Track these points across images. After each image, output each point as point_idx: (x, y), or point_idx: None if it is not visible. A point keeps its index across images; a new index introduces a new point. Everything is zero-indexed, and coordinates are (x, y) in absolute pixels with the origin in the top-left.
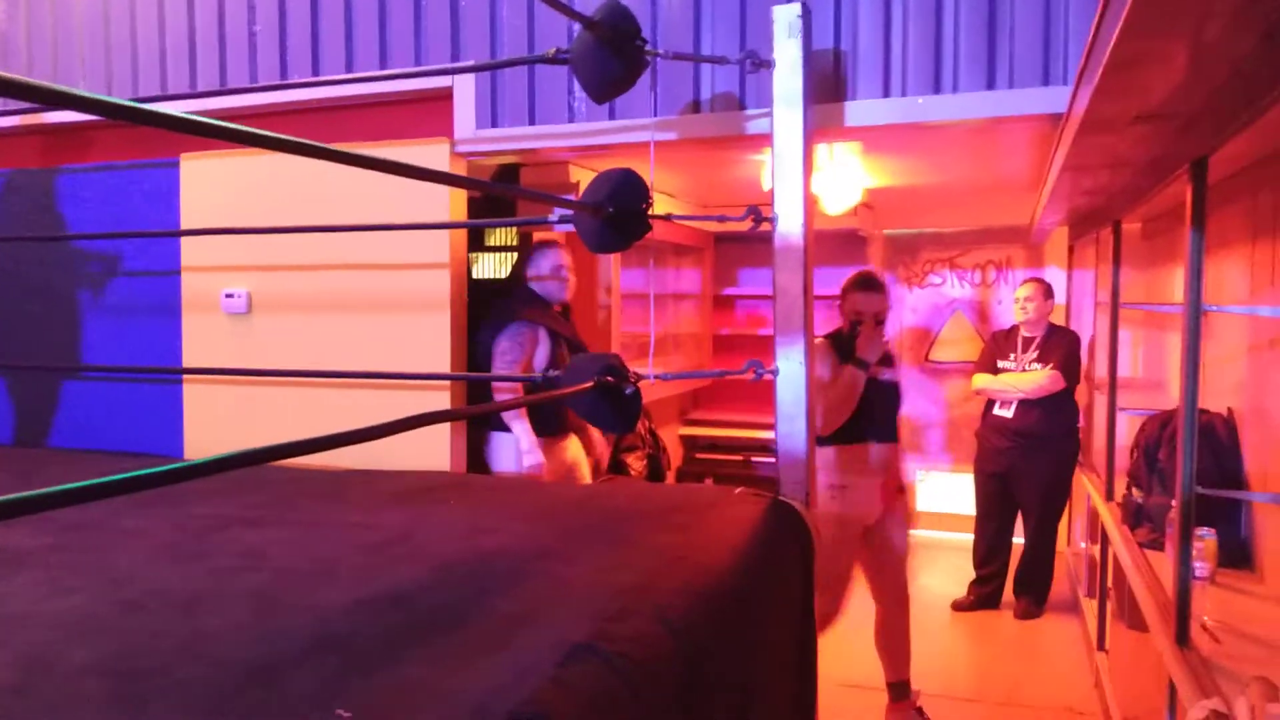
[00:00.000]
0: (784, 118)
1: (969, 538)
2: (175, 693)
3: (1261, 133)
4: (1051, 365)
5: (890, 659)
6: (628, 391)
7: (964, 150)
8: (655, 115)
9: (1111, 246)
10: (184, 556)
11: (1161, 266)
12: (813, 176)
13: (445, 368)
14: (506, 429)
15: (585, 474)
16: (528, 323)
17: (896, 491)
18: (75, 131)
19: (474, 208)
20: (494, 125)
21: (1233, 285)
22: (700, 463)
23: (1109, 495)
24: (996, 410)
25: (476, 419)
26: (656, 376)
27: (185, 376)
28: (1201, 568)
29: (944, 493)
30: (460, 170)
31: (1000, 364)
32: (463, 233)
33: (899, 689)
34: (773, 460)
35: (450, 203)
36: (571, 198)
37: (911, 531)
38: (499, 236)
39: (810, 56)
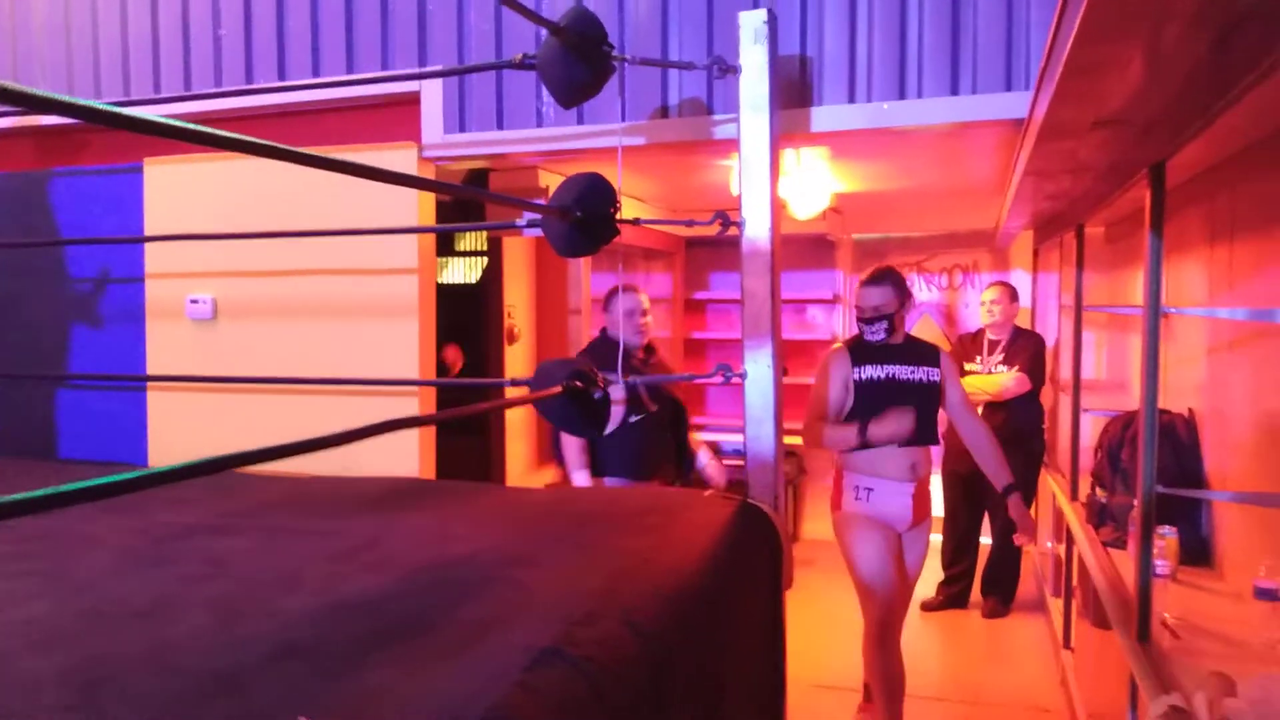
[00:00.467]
0: (750, 123)
1: (937, 538)
2: (136, 702)
3: (1217, 138)
4: (1017, 367)
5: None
6: (597, 396)
7: (930, 155)
8: (623, 120)
9: (1074, 250)
10: (147, 565)
11: (1124, 269)
12: (781, 181)
13: (414, 374)
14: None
15: None
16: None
17: (927, 502)
18: (65, 134)
19: (443, 213)
20: (462, 130)
21: (1192, 287)
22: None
23: (1074, 495)
24: None
25: (463, 430)
26: (629, 381)
27: (150, 384)
28: (1163, 565)
29: None
30: (429, 174)
31: (966, 366)
32: (431, 238)
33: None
34: (743, 463)
35: (419, 208)
36: (541, 202)
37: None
38: (469, 242)
39: (776, 62)
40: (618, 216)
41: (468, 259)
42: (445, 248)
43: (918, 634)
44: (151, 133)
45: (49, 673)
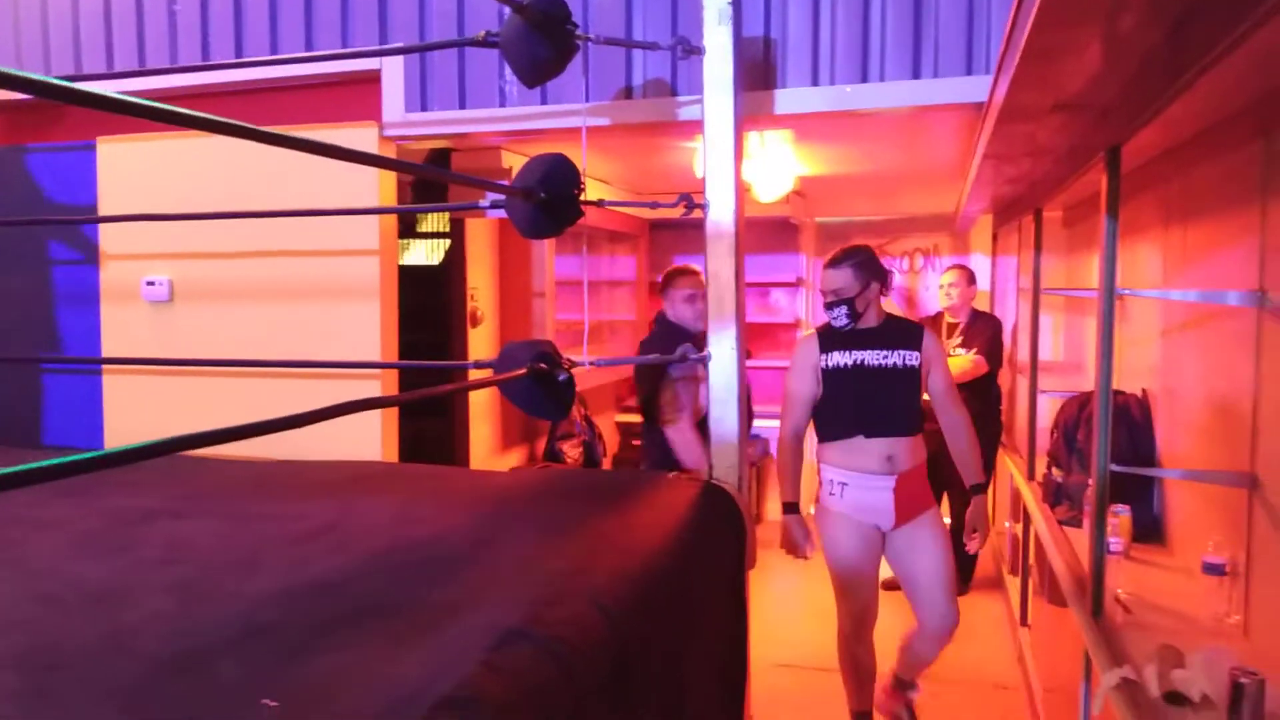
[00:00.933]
0: (714, 104)
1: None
2: (92, 685)
3: (1171, 123)
4: (975, 350)
5: (905, 659)
6: (561, 378)
7: (893, 139)
8: (588, 100)
9: (1033, 233)
10: (106, 549)
11: (1081, 253)
12: (745, 164)
13: (375, 356)
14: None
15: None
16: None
17: (919, 496)
18: (33, 110)
19: (405, 194)
20: (424, 109)
21: (1148, 270)
22: (638, 449)
23: (1031, 475)
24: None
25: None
26: (590, 363)
27: (105, 367)
28: (1116, 543)
29: None
30: (389, 154)
31: None
32: (393, 219)
33: (903, 684)
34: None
35: (380, 188)
36: (505, 183)
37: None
38: (431, 223)
39: (741, 44)
40: (582, 198)
41: (430, 241)
42: (407, 230)
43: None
44: (107, 109)
45: (3, 657)
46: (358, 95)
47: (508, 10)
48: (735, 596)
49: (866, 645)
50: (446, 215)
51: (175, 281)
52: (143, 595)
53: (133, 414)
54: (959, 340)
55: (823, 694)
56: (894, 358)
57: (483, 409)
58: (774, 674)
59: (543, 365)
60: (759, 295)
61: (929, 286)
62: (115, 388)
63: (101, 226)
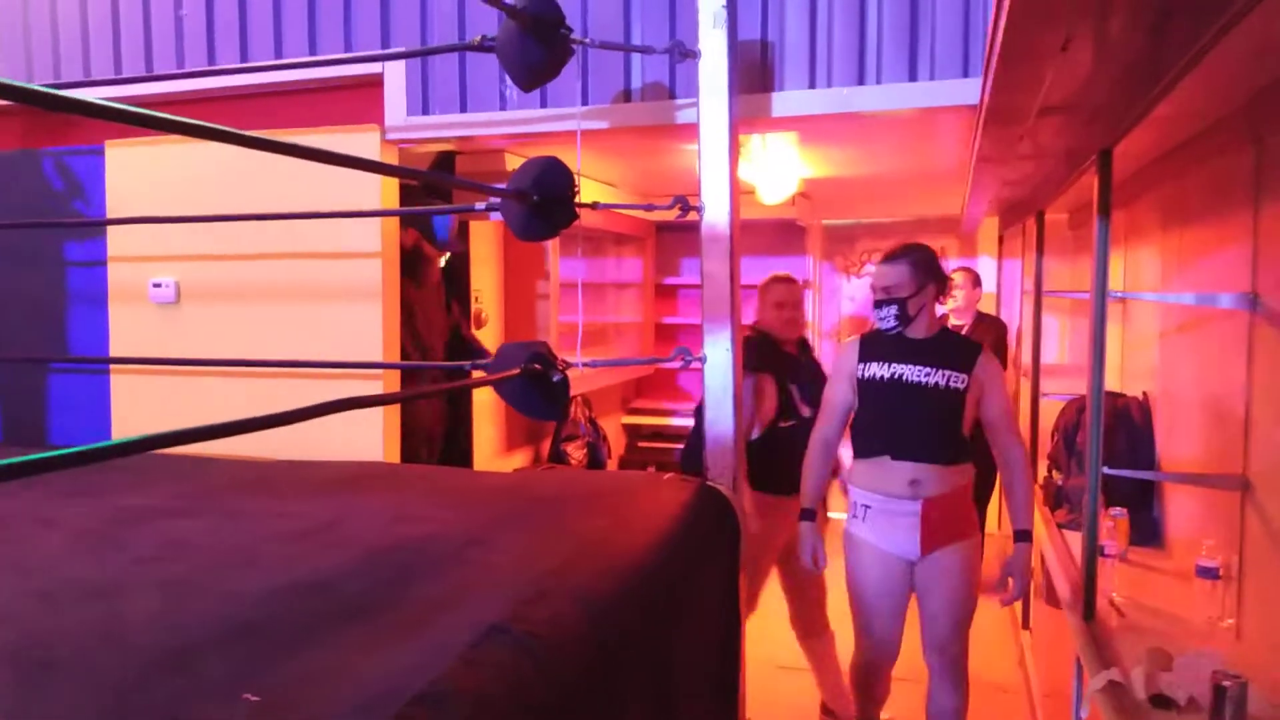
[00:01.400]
0: (710, 107)
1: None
2: (82, 680)
3: (1166, 125)
4: None
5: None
6: (555, 379)
7: (897, 141)
8: (585, 104)
9: (1035, 236)
10: (102, 547)
11: (1087, 255)
12: (748, 166)
13: (377, 356)
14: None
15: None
16: (748, 372)
17: (954, 522)
18: (45, 113)
19: (412, 195)
20: (425, 112)
21: (1149, 272)
22: (643, 451)
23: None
24: None
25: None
26: (585, 364)
27: (113, 367)
28: (1111, 546)
29: None
30: (392, 157)
31: None
32: (394, 221)
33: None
34: None
35: (381, 190)
36: (501, 186)
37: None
38: None
39: (737, 47)
40: (576, 200)
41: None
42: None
43: None
44: (110, 119)
45: None
46: (360, 99)
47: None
48: (728, 597)
49: (881, 682)
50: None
51: (181, 283)
52: (135, 593)
53: (140, 414)
54: None
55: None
56: (936, 376)
57: (486, 411)
58: (774, 676)
59: (537, 366)
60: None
61: None
62: (123, 388)
63: (109, 229)
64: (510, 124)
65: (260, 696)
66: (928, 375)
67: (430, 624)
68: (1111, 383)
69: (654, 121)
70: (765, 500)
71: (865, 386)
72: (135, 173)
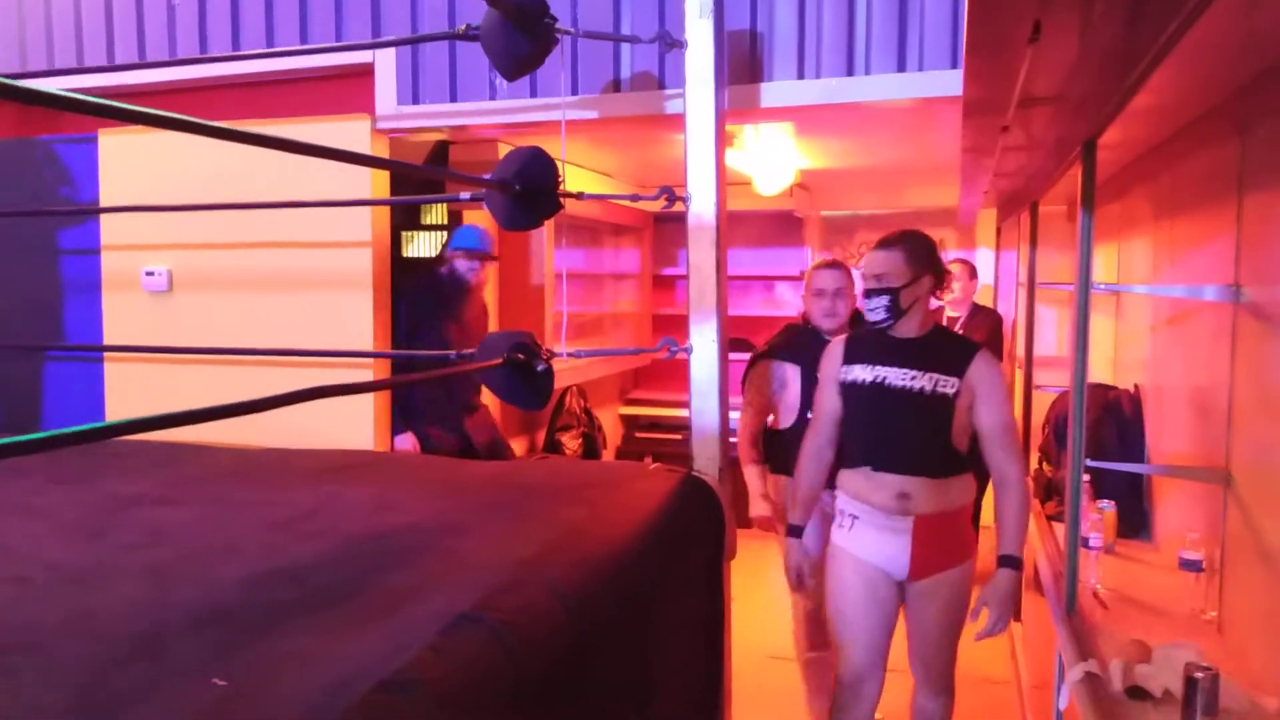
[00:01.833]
0: (696, 98)
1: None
2: (52, 665)
3: (1155, 115)
4: None
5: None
6: (540, 368)
7: (893, 132)
8: (574, 94)
9: (1029, 227)
10: (86, 534)
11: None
12: (745, 157)
13: (368, 345)
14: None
15: None
16: (766, 359)
17: (951, 546)
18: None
19: (403, 185)
20: (415, 102)
21: (1142, 264)
22: (640, 442)
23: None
24: None
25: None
26: (570, 354)
27: (106, 355)
28: (1096, 539)
29: None
30: (383, 147)
31: None
32: (385, 210)
33: None
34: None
35: (371, 180)
36: (486, 176)
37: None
38: (434, 215)
39: (725, 37)
40: (561, 190)
41: (433, 233)
42: (410, 221)
43: None
44: (88, 113)
45: None
46: (352, 88)
47: None
48: (711, 587)
49: (862, 703)
50: (445, 208)
51: (174, 271)
52: (115, 579)
53: (133, 401)
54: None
55: None
56: (923, 381)
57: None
58: (767, 665)
59: (520, 356)
60: (764, 289)
61: None
62: (116, 375)
63: (102, 217)
64: (500, 113)
65: (228, 681)
66: (913, 379)
67: (401, 611)
68: (1104, 375)
69: (642, 111)
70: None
71: (847, 391)
72: (128, 161)
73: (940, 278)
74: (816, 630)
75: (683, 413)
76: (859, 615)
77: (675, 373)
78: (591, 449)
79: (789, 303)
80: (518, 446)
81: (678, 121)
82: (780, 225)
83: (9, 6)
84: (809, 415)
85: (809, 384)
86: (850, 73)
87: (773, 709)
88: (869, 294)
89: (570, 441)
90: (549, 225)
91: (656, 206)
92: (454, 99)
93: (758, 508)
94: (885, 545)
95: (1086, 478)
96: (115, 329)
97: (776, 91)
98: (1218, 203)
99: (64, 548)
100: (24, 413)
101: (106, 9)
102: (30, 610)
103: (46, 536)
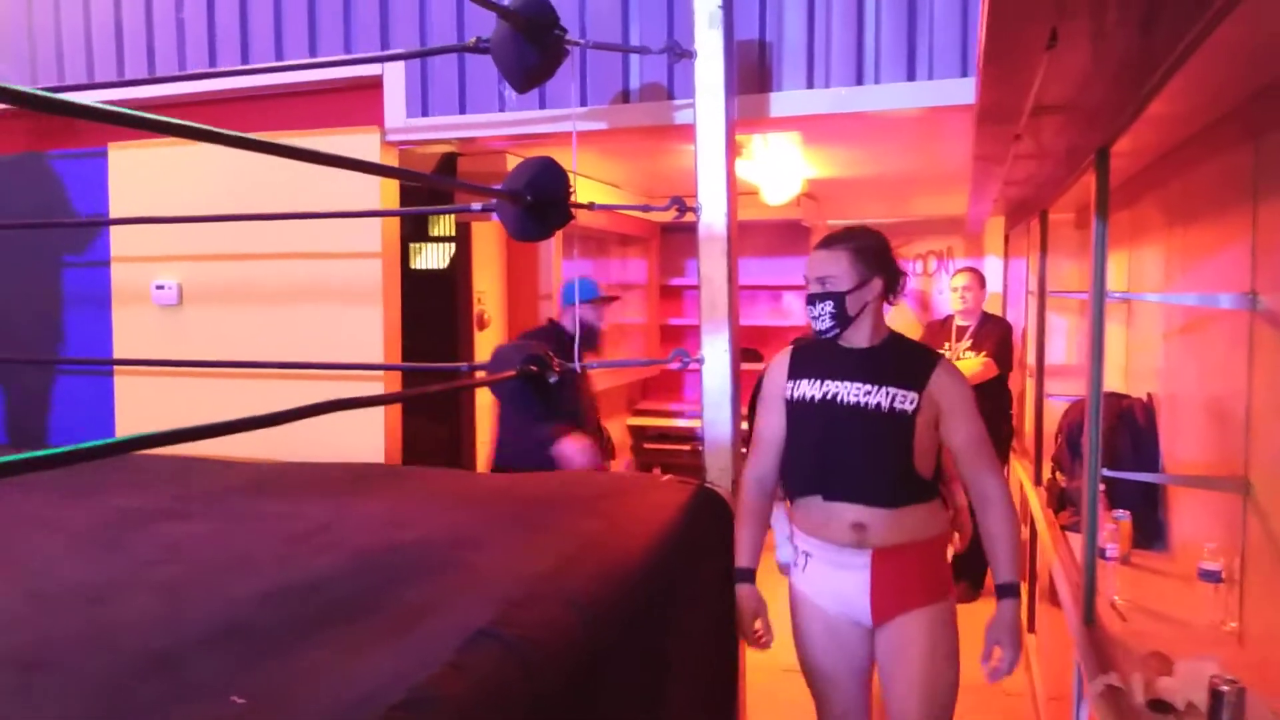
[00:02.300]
0: (706, 108)
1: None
2: (73, 682)
3: (1164, 123)
4: (985, 353)
5: None
6: (552, 380)
7: (900, 141)
8: (583, 105)
9: (1039, 235)
10: (100, 549)
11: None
12: (752, 167)
13: (378, 357)
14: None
15: None
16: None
17: (916, 582)
18: (51, 117)
19: (413, 197)
20: (425, 114)
21: (1153, 272)
22: (649, 453)
23: (1037, 480)
24: None
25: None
26: (582, 365)
27: (116, 369)
28: (1113, 549)
29: None
30: (392, 159)
31: None
32: (395, 221)
33: None
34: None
35: (381, 192)
36: (496, 187)
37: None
38: (441, 227)
39: (734, 47)
40: (571, 200)
41: (440, 245)
42: (418, 233)
43: None
44: (112, 122)
45: None
46: (362, 101)
47: None
48: (725, 599)
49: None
50: (453, 219)
51: (184, 285)
52: (131, 594)
53: (143, 415)
54: (969, 343)
55: None
56: (878, 396)
57: (489, 412)
58: (780, 678)
59: (533, 368)
60: (771, 299)
61: (942, 290)
62: (126, 389)
63: (112, 230)
64: (509, 125)
65: (247, 699)
66: (867, 395)
67: (419, 627)
68: (1116, 384)
69: (651, 122)
70: None
71: (794, 410)
72: (138, 174)
73: (894, 281)
74: None
75: (690, 423)
76: (825, 666)
77: (682, 383)
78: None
79: (796, 312)
80: None
81: (687, 132)
82: (787, 235)
83: (20, 22)
84: None
85: None
86: (860, 81)
87: None
88: (811, 299)
89: None
90: (558, 236)
91: (667, 217)
92: (463, 111)
93: (785, 553)
94: (842, 585)
95: (1102, 487)
96: (125, 342)
97: (786, 101)
98: (1232, 210)
99: (79, 563)
100: (31, 426)
101: (116, 24)
102: (48, 626)
103: (62, 551)
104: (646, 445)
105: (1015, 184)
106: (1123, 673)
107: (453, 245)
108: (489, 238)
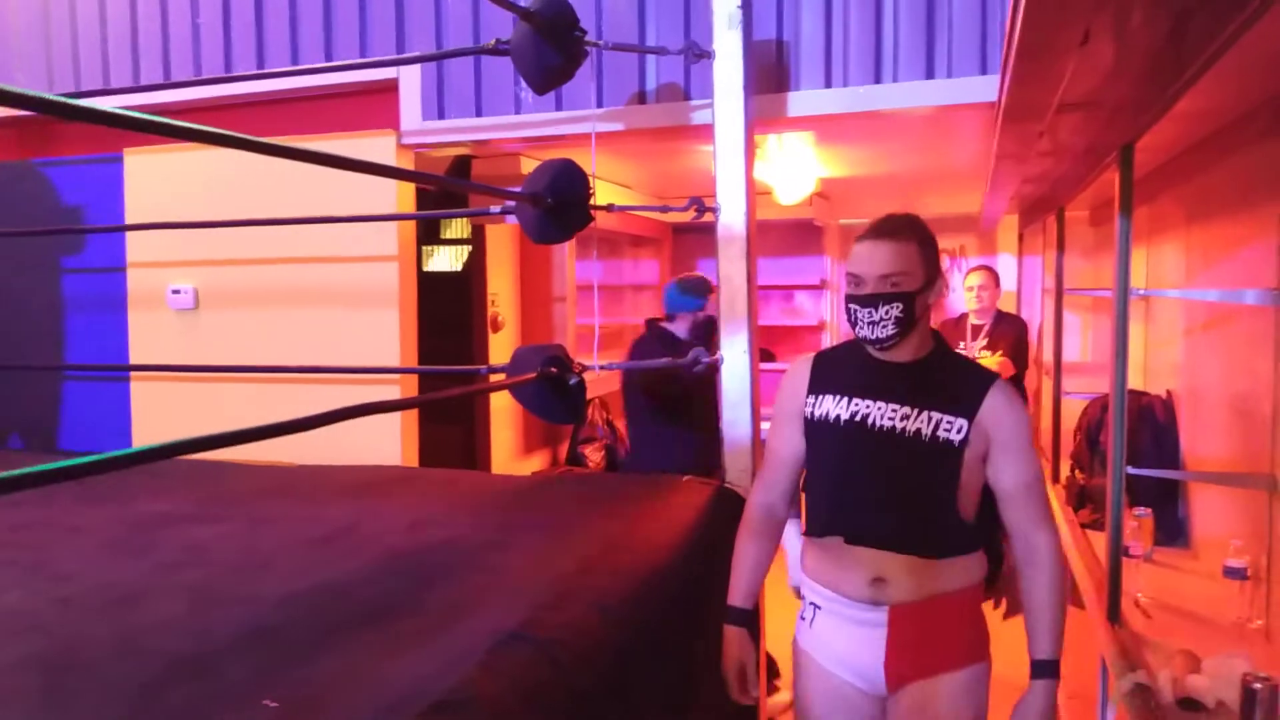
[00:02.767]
0: (724, 108)
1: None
2: (105, 686)
3: (1188, 120)
4: (1001, 352)
5: None
6: (572, 382)
7: (915, 139)
8: (600, 106)
9: (1055, 233)
10: (126, 553)
11: (1109, 252)
12: (765, 167)
13: (394, 361)
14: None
15: None
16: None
17: (944, 642)
18: (41, 124)
19: (428, 200)
20: (441, 117)
21: (1173, 269)
22: None
23: (1055, 478)
24: None
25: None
26: (601, 367)
27: (133, 374)
28: (1136, 547)
29: None
30: (408, 162)
31: None
32: (411, 225)
33: None
34: None
35: (398, 195)
36: (516, 189)
37: None
38: (455, 229)
39: (752, 47)
40: (591, 202)
41: (454, 247)
42: (432, 236)
43: None
44: (130, 128)
45: (19, 658)
46: (377, 104)
47: None
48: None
49: None
50: (466, 222)
51: (200, 289)
52: (158, 598)
53: (160, 419)
54: (984, 342)
55: None
56: (919, 422)
57: (504, 414)
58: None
59: (553, 370)
60: (783, 298)
61: (956, 288)
62: (143, 394)
63: (128, 236)
64: (525, 127)
65: (279, 703)
66: (904, 419)
67: (448, 630)
68: (1135, 381)
69: (669, 123)
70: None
71: (814, 431)
72: (153, 180)
73: (941, 281)
74: None
75: None
76: None
77: None
78: (614, 461)
79: (808, 312)
80: (541, 460)
81: (704, 132)
82: (799, 234)
83: (36, 29)
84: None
85: None
86: (878, 80)
87: None
88: (870, 301)
89: (593, 454)
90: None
91: (686, 217)
92: (479, 113)
93: (797, 575)
94: (855, 646)
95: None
96: (142, 347)
97: (804, 100)
98: (1255, 206)
99: (105, 567)
100: (51, 433)
101: (132, 30)
102: (76, 631)
103: (87, 556)
104: None
105: (1031, 181)
106: (1150, 671)
107: (467, 248)
108: (503, 240)
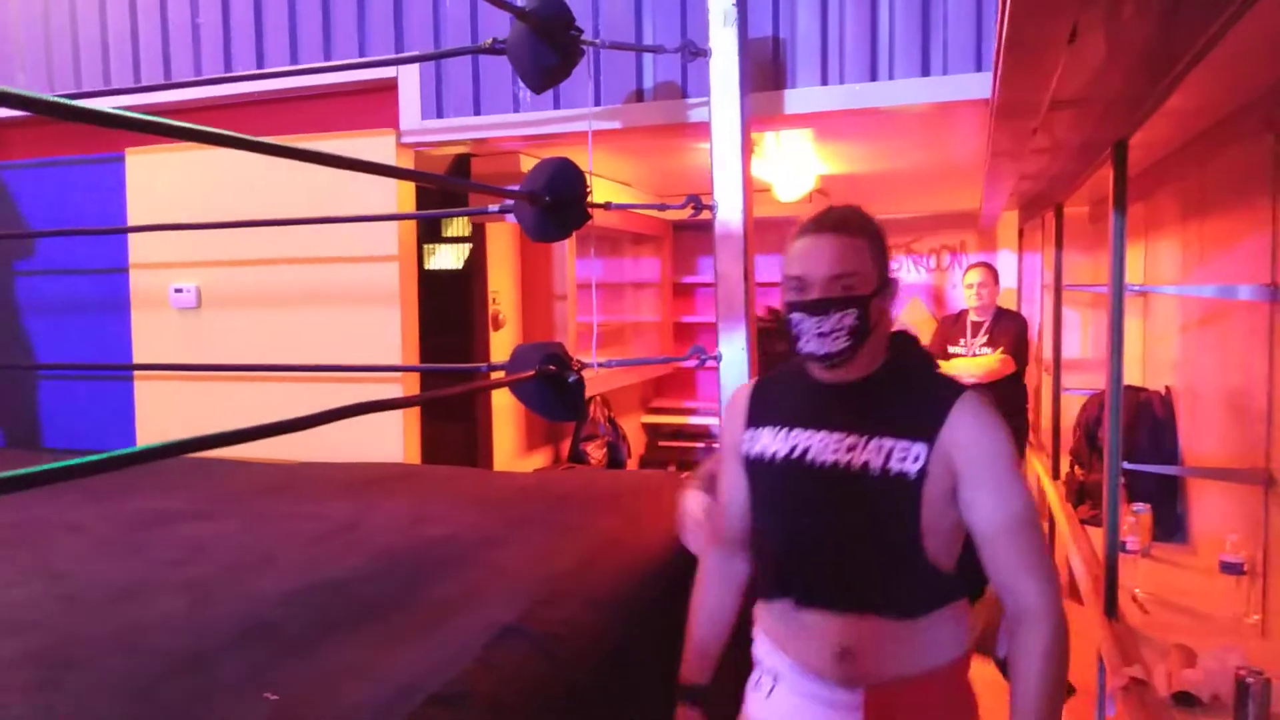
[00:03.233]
0: (721, 106)
1: None
2: (103, 682)
3: (1183, 116)
4: (1001, 349)
5: None
6: (571, 379)
7: (913, 136)
8: (597, 104)
9: (1054, 230)
10: (126, 550)
11: (1108, 249)
12: (764, 164)
13: (396, 359)
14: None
15: None
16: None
17: None
18: (22, 126)
19: (428, 199)
20: (439, 116)
21: (1169, 264)
22: (664, 450)
23: (1055, 474)
24: None
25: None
26: (600, 364)
27: (136, 373)
28: (1133, 542)
29: None
30: (407, 161)
31: (950, 349)
32: (412, 224)
33: None
34: None
35: (398, 194)
36: (513, 188)
37: None
38: (455, 228)
39: (748, 45)
40: (589, 200)
41: (455, 246)
42: (432, 234)
43: None
44: (129, 129)
45: (18, 654)
46: (377, 103)
47: None
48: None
49: None
50: (467, 220)
51: (202, 289)
52: (158, 594)
53: (163, 418)
54: (984, 339)
55: None
56: (868, 452)
57: (506, 412)
58: None
59: (552, 367)
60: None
61: (955, 285)
62: (146, 393)
63: (130, 236)
64: (524, 126)
65: (280, 696)
66: (850, 450)
67: (446, 625)
68: (1133, 377)
69: (666, 121)
70: None
71: (753, 471)
72: (155, 180)
73: (891, 284)
74: None
75: (704, 420)
76: None
77: (696, 381)
78: (616, 458)
79: None
80: (543, 457)
81: (701, 130)
82: None
83: (36, 29)
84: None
85: None
86: (874, 77)
87: None
88: (820, 307)
89: (595, 451)
90: (571, 235)
91: (683, 215)
92: (478, 112)
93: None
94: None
95: (1121, 480)
96: (144, 347)
97: (800, 98)
98: (1251, 202)
99: (106, 564)
100: (21, 428)
101: (132, 29)
102: (79, 627)
103: (88, 552)
104: (661, 443)
105: (1029, 178)
106: (1146, 665)
107: (467, 246)
108: (503, 238)
